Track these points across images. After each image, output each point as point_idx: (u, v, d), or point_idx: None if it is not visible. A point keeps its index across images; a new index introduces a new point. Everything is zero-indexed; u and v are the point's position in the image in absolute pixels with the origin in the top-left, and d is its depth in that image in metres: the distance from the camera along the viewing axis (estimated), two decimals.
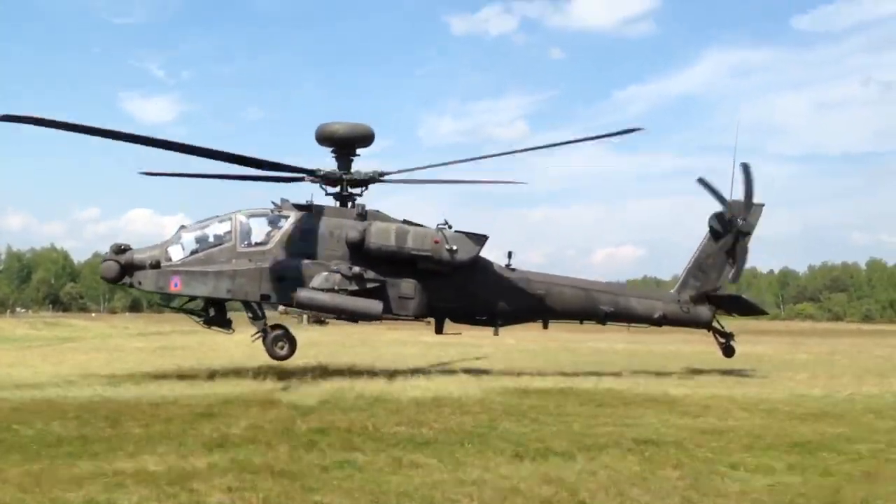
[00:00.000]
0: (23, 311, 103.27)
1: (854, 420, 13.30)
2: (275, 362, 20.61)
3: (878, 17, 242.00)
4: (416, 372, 19.14)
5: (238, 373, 18.33)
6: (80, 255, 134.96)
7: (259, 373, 18.77)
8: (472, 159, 18.98)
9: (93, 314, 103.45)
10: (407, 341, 34.37)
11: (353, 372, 18.85)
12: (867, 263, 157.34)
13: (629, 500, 7.79)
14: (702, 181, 21.66)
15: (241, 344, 19.27)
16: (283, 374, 18.09)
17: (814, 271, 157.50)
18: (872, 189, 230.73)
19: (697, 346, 22.79)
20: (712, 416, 13.43)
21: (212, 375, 17.97)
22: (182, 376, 18.28)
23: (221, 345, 18.77)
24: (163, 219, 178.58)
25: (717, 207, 21.83)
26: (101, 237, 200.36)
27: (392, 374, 18.46)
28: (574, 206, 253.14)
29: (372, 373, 19.09)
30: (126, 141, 17.11)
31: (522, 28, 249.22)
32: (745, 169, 21.44)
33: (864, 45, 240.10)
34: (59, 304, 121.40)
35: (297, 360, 20.98)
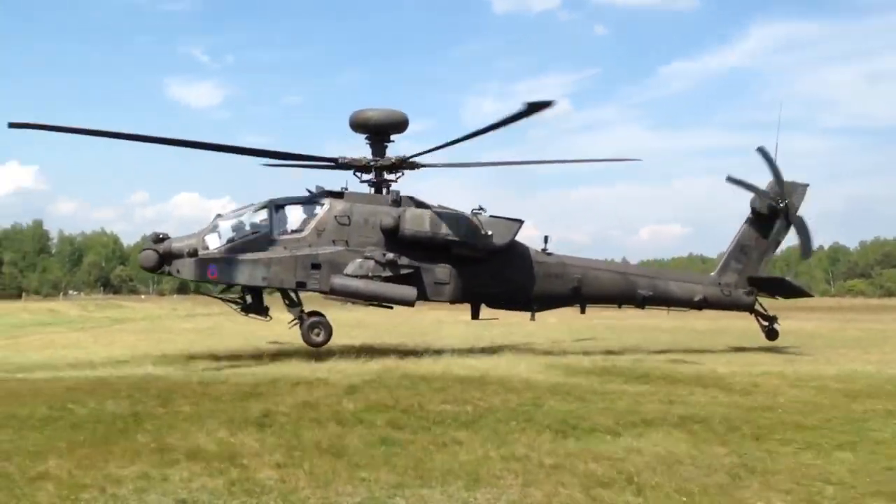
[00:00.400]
0: (75, 293, 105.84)
1: None
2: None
3: None
4: (459, 351, 19.17)
5: (284, 353, 18.57)
6: (129, 239, 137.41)
7: (305, 353, 18.99)
8: (494, 164, 19.20)
9: (142, 296, 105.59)
10: (449, 321, 34.46)
11: (398, 351, 18.95)
12: None
13: (677, 478, 7.72)
14: (731, 179, 21.44)
15: (286, 325, 19.47)
16: (329, 354, 18.24)
17: (865, 247, 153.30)
18: None
19: (745, 322, 22.49)
20: (761, 394, 13.24)
21: (258, 355, 18.22)
22: (230, 356, 18.59)
23: (267, 326, 19.03)
24: (208, 202, 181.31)
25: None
26: (149, 221, 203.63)
27: (437, 353, 18.51)
28: (618, 185, 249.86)
29: (417, 352, 19.17)
30: (169, 144, 17.78)
31: (565, 5, 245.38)
32: (764, 153, 21.12)
33: None
34: (109, 286, 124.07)
35: (342, 340, 21.18)
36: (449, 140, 17.79)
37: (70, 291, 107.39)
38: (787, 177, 21.55)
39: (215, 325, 34.13)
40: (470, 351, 19.63)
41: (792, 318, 37.10)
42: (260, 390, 12.91)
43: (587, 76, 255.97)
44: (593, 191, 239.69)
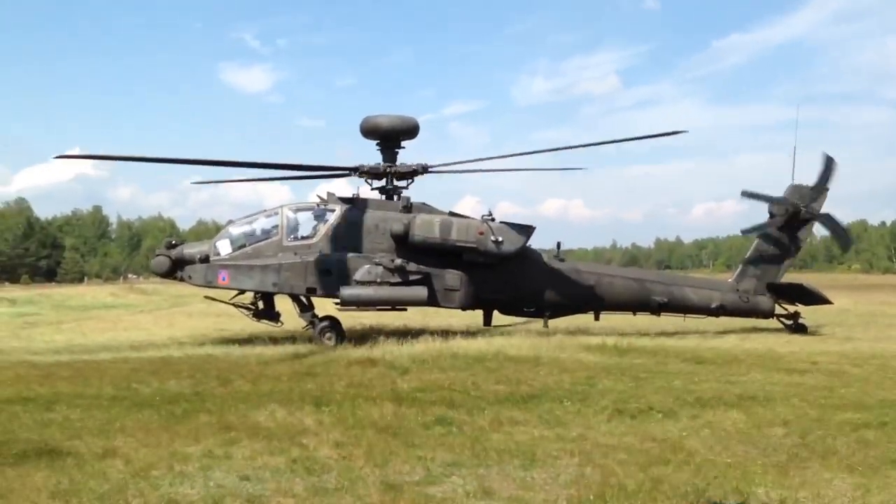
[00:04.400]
0: (134, 277, 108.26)
1: None
2: (370, 323, 21.08)
3: None
4: (508, 332, 19.16)
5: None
6: (184, 224, 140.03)
7: (355, 335, 19.23)
8: (511, 155, 19.08)
9: None
10: None
11: (446, 332, 19.01)
12: None
13: (736, 458, 7.65)
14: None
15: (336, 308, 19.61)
16: (379, 335, 18.38)
17: None
18: None
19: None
20: (820, 373, 13.01)
21: (311, 337, 18.43)
22: (285, 338, 18.88)
23: (319, 308, 19.22)
24: (260, 186, 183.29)
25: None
26: (203, 204, 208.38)
27: (484, 335, 18.52)
28: (674, 162, 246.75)
29: (467, 333, 19.22)
30: (177, 163, 18.45)
31: None
32: (828, 162, 20.63)
33: None
34: None
35: (390, 323, 21.34)
36: (466, 159, 18.14)
37: (129, 275, 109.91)
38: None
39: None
40: (522, 332, 19.57)
41: (851, 297, 36.21)
42: (316, 370, 13.13)
43: (638, 52, 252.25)
44: (647, 168, 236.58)
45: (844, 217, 22.01)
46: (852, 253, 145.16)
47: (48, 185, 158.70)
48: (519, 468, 7.34)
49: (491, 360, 14.40)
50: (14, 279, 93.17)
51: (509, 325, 20.38)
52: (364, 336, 18.65)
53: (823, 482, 6.81)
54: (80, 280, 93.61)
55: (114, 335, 21.73)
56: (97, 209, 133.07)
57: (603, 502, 6.26)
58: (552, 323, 19.95)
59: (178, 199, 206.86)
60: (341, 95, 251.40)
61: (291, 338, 18.83)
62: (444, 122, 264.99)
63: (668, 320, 21.28)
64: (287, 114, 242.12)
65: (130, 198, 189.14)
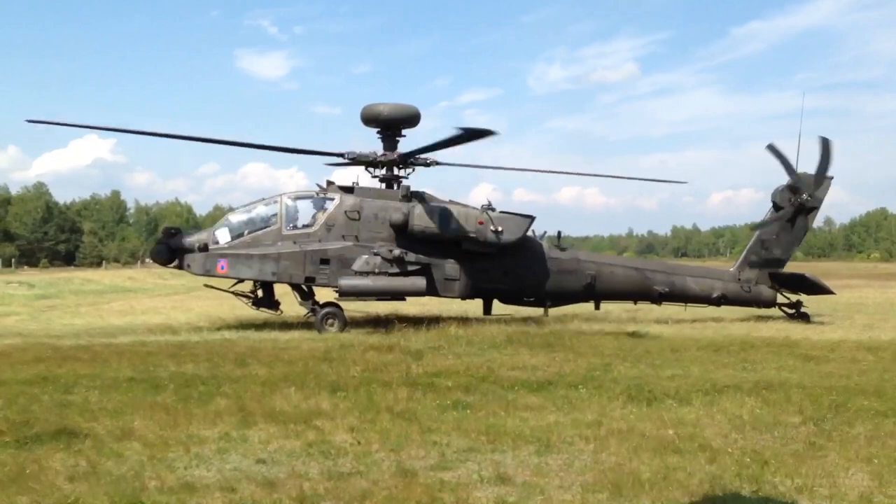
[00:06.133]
0: (151, 261, 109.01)
1: None
2: (387, 309, 21.11)
3: None
4: (528, 319, 19.15)
5: (350, 320, 18.77)
6: (201, 209, 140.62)
7: (370, 320, 19.27)
8: (518, 169, 18.84)
9: None
10: None
11: (459, 318, 19.03)
12: None
13: (752, 445, 7.61)
14: (771, 148, 20.65)
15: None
16: (391, 322, 18.38)
17: None
18: None
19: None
20: (838, 361, 12.92)
21: (314, 324, 18.44)
22: (300, 323, 18.96)
23: (321, 295, 19.23)
24: (276, 172, 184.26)
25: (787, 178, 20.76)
26: (218, 191, 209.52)
27: (499, 321, 18.49)
28: (690, 151, 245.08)
29: (482, 320, 19.21)
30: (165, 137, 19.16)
31: None
32: (825, 143, 20.20)
33: None
34: None
35: (408, 309, 21.36)
36: (432, 143, 17.48)
37: (147, 260, 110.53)
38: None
39: (286, 291, 34.71)
40: (536, 320, 19.55)
41: (872, 287, 35.92)
42: (331, 355, 13.18)
43: (657, 39, 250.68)
44: (663, 156, 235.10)
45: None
46: (871, 241, 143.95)
47: (66, 170, 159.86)
48: (534, 454, 7.34)
49: (505, 346, 14.41)
50: (33, 263, 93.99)
51: (509, 315, 20.13)
52: (377, 322, 18.67)
53: (840, 472, 6.76)
54: (99, 264, 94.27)
55: (132, 319, 21.90)
56: (115, 194, 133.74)
57: (617, 489, 6.24)
58: (559, 311, 19.82)
59: (195, 186, 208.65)
60: (357, 83, 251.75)
61: (306, 323, 18.90)
62: (459, 109, 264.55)
63: (687, 309, 21.17)
64: (303, 101, 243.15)
65: (147, 183, 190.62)
